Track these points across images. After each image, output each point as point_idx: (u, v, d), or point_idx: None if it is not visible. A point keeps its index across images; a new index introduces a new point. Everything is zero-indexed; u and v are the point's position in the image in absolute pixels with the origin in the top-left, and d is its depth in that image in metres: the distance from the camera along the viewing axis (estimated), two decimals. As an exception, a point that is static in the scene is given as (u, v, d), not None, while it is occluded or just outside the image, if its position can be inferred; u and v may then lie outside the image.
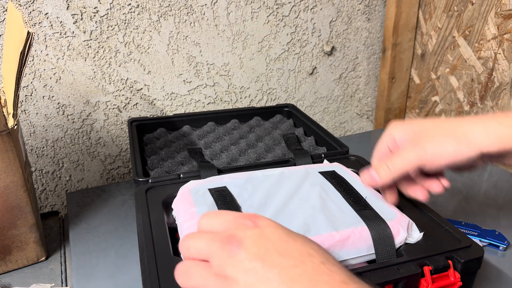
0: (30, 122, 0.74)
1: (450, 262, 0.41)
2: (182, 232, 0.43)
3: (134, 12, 0.74)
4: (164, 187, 0.55)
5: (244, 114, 0.80)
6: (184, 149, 0.69)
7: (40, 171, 0.78)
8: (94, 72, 0.75)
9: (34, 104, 0.73)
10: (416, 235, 0.44)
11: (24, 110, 0.73)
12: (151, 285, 0.39)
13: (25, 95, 0.72)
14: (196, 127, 0.77)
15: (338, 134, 1.06)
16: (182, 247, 0.32)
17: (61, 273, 0.56)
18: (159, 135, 0.74)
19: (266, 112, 0.82)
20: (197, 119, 0.77)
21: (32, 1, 0.67)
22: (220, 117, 0.78)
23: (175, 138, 0.73)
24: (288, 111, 0.83)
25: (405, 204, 0.50)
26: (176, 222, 0.46)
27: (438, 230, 0.46)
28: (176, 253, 0.46)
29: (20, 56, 0.43)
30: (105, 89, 0.77)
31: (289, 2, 0.86)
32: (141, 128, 0.74)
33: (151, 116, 0.83)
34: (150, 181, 0.56)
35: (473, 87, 0.85)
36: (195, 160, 0.65)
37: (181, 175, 0.58)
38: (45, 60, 0.71)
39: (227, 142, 0.71)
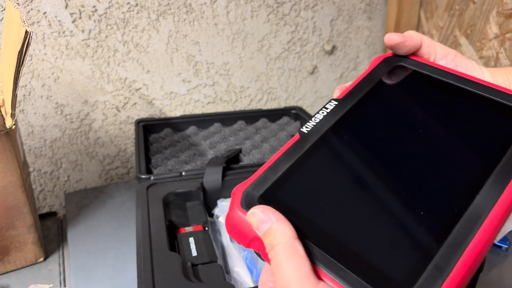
0: (28, 122, 0.74)
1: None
2: None
3: (133, 11, 0.74)
4: (166, 184, 0.56)
5: (251, 116, 0.81)
6: (189, 149, 0.70)
7: (39, 172, 0.78)
8: (93, 72, 0.75)
9: (32, 104, 0.73)
10: None
11: (22, 110, 0.73)
12: (145, 278, 0.40)
13: (23, 95, 0.72)
14: (202, 128, 0.78)
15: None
16: None
17: (60, 274, 0.55)
18: (165, 135, 0.75)
19: (273, 114, 0.83)
20: (204, 120, 0.79)
21: (30, 0, 0.66)
22: (227, 118, 0.80)
23: (180, 138, 0.74)
24: (295, 114, 0.83)
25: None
26: None
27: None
28: (173, 248, 0.46)
29: (18, 55, 0.42)
30: (103, 88, 0.77)
31: (290, 1, 0.86)
32: (148, 128, 0.75)
33: (152, 116, 0.83)
34: (152, 178, 0.57)
35: (474, 86, 0.84)
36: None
37: (183, 173, 0.59)
38: (43, 60, 0.71)
39: (232, 143, 0.71)
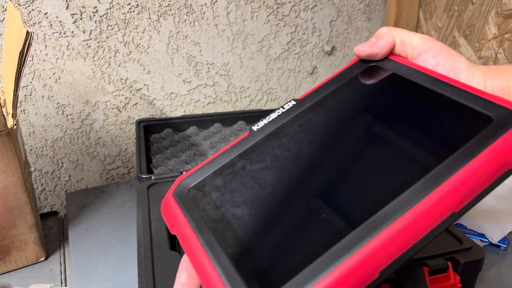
0: (30, 122, 0.74)
1: (449, 263, 0.41)
2: None
3: (133, 11, 0.74)
4: (166, 184, 0.57)
5: (251, 116, 0.81)
6: (189, 149, 0.71)
7: (40, 171, 0.78)
8: (94, 72, 0.75)
9: (33, 104, 0.73)
10: None
11: (24, 110, 0.73)
12: (146, 278, 0.40)
13: (25, 95, 0.72)
14: (203, 128, 0.79)
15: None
16: None
17: (61, 274, 0.56)
18: (165, 135, 0.75)
19: None
20: (204, 120, 0.79)
21: (31, 1, 0.67)
22: (227, 118, 0.80)
23: (181, 138, 0.75)
24: None
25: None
26: None
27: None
28: (174, 248, 0.47)
29: (19, 55, 0.42)
30: (104, 89, 0.77)
31: (289, 2, 0.86)
32: (148, 129, 0.76)
33: (153, 116, 0.83)
34: (152, 177, 0.57)
35: (474, 87, 0.85)
36: None
37: (183, 173, 0.59)
38: (44, 60, 0.71)
39: (232, 143, 0.72)
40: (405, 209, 0.22)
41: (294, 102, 0.33)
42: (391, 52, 0.34)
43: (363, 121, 0.30)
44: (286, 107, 0.33)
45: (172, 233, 0.29)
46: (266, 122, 0.32)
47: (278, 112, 0.33)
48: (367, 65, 0.34)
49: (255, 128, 0.32)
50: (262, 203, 0.27)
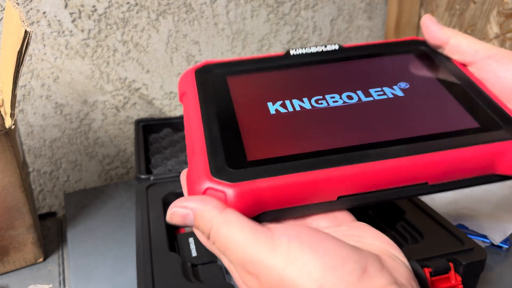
0: (28, 122, 0.73)
1: (451, 264, 0.41)
2: None
3: (132, 10, 0.74)
4: (165, 184, 0.56)
5: None
6: None
7: (38, 172, 0.78)
8: (92, 72, 0.75)
9: (31, 104, 0.73)
10: None
11: (22, 110, 0.72)
12: (145, 279, 0.40)
13: (23, 95, 0.72)
14: None
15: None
16: None
17: (59, 275, 0.55)
18: (165, 135, 0.75)
19: None
20: None
21: (30, 0, 0.66)
22: None
23: (180, 138, 0.74)
24: None
25: (408, 206, 0.49)
26: None
27: (440, 232, 0.46)
28: (173, 249, 0.46)
29: (18, 55, 0.42)
30: (103, 88, 0.77)
31: (290, 0, 0.86)
32: (147, 128, 0.75)
33: (152, 116, 0.83)
34: (151, 178, 0.57)
35: (475, 86, 0.84)
36: None
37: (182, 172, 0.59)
38: (42, 59, 0.71)
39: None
40: (388, 156, 0.24)
41: (336, 47, 0.34)
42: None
43: (394, 83, 0.31)
44: (329, 48, 0.34)
45: (180, 101, 0.32)
46: (304, 51, 0.34)
47: (318, 48, 0.34)
48: (419, 46, 0.35)
49: (292, 52, 0.33)
50: (269, 109, 0.29)
